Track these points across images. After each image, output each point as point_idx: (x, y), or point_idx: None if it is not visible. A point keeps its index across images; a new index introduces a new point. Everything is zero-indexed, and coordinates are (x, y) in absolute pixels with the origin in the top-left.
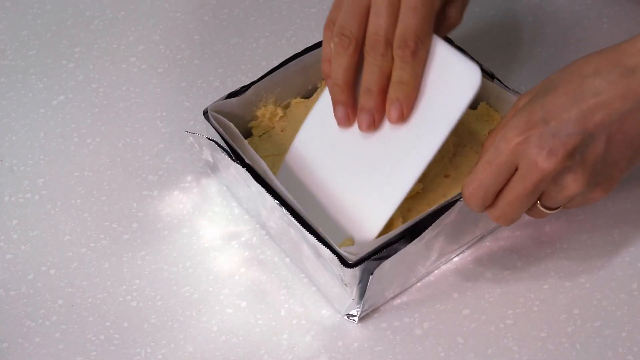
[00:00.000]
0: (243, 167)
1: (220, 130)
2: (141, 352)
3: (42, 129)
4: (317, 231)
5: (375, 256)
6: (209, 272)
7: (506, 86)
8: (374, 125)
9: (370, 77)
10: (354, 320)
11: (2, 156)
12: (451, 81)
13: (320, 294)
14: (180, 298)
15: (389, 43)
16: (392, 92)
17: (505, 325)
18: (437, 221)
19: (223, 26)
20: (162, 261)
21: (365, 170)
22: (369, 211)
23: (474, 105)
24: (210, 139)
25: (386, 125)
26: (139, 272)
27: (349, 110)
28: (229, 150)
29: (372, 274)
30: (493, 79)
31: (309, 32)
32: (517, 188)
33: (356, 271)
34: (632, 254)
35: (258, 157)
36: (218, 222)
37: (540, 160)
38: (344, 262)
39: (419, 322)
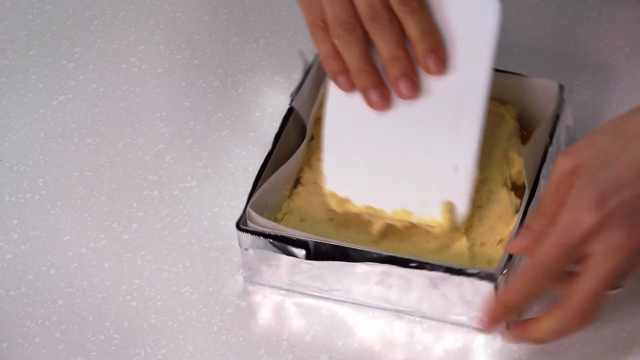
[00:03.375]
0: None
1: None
2: (141, 352)
3: (42, 129)
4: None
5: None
6: (209, 272)
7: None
8: (415, 87)
9: (388, 46)
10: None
11: (2, 156)
12: (469, 21)
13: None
14: (180, 298)
15: (388, 9)
16: (421, 47)
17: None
18: None
19: (223, 26)
20: (162, 261)
21: (422, 135)
22: (448, 166)
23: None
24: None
25: (425, 84)
26: (139, 272)
27: (383, 89)
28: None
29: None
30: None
31: (309, 32)
32: (597, 275)
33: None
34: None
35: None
36: (218, 222)
37: (624, 239)
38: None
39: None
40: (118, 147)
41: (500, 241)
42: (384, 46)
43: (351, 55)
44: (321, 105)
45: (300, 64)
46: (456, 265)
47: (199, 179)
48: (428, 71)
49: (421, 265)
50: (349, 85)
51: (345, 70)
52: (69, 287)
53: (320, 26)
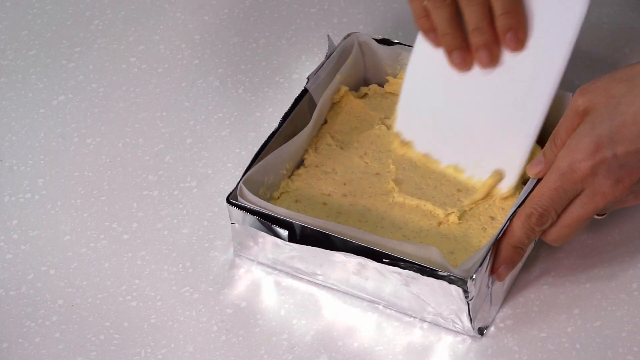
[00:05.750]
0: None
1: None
2: (141, 352)
3: (42, 129)
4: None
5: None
6: (208, 272)
7: None
8: (493, 58)
9: (474, 16)
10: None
11: (2, 156)
12: (557, 2)
13: (321, 293)
14: (180, 298)
15: None
16: (502, 23)
17: (505, 325)
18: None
19: (223, 26)
20: (162, 261)
21: (493, 104)
22: (509, 137)
23: None
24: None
25: (504, 58)
26: (139, 272)
27: (465, 53)
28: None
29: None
30: None
31: (309, 32)
32: (579, 212)
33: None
34: (632, 254)
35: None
36: (218, 222)
37: (607, 189)
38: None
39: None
40: (118, 147)
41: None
42: (470, 15)
43: (439, 19)
44: (337, 91)
45: (300, 64)
46: (428, 265)
47: (199, 179)
48: (507, 45)
49: (394, 262)
50: (437, 42)
51: (434, 29)
52: (69, 287)
53: None
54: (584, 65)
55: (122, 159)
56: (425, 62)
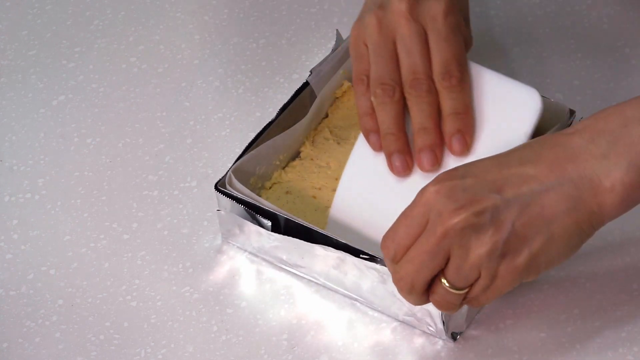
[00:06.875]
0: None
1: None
2: (141, 352)
3: (42, 129)
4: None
5: None
6: (209, 272)
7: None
8: (437, 162)
9: (421, 115)
10: (452, 339)
11: (2, 156)
12: (509, 108)
13: (322, 293)
14: (180, 298)
15: (430, 79)
16: (450, 125)
17: (505, 325)
18: None
19: (223, 26)
20: (162, 261)
21: None
22: None
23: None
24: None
25: (447, 163)
26: (139, 272)
27: (407, 157)
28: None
29: None
30: None
31: (309, 32)
32: (421, 243)
33: None
34: (632, 254)
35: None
36: (218, 222)
37: (447, 212)
38: None
39: None
40: (118, 147)
41: None
42: (416, 114)
43: (384, 116)
44: (339, 86)
45: (300, 64)
46: None
47: (199, 179)
48: (451, 150)
49: (372, 259)
50: (378, 146)
51: (377, 129)
52: (69, 287)
53: (363, 81)
54: (584, 66)
55: (122, 159)
56: (364, 163)
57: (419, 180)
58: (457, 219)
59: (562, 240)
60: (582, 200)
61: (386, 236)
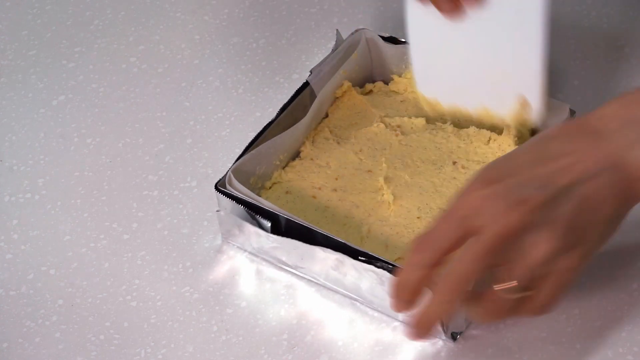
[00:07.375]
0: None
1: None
2: (141, 352)
3: (42, 129)
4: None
5: None
6: (209, 272)
7: None
8: None
9: None
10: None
11: (2, 156)
12: None
13: (322, 292)
14: (180, 298)
15: None
16: None
17: (506, 325)
18: None
19: (223, 26)
20: (162, 261)
21: (492, 39)
22: (518, 65)
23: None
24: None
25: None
26: (139, 272)
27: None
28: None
29: None
30: None
31: (309, 32)
32: (475, 246)
33: None
34: (632, 254)
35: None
36: (218, 223)
37: (506, 211)
38: None
39: None
40: (118, 147)
41: None
42: None
43: None
44: (339, 86)
45: (300, 64)
46: (402, 266)
47: (199, 179)
48: None
49: (370, 261)
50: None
51: None
52: (69, 287)
53: None
54: (584, 66)
55: (122, 159)
56: (421, 20)
57: (470, 19)
58: (518, 216)
59: (606, 227)
60: (620, 187)
61: (420, 240)
